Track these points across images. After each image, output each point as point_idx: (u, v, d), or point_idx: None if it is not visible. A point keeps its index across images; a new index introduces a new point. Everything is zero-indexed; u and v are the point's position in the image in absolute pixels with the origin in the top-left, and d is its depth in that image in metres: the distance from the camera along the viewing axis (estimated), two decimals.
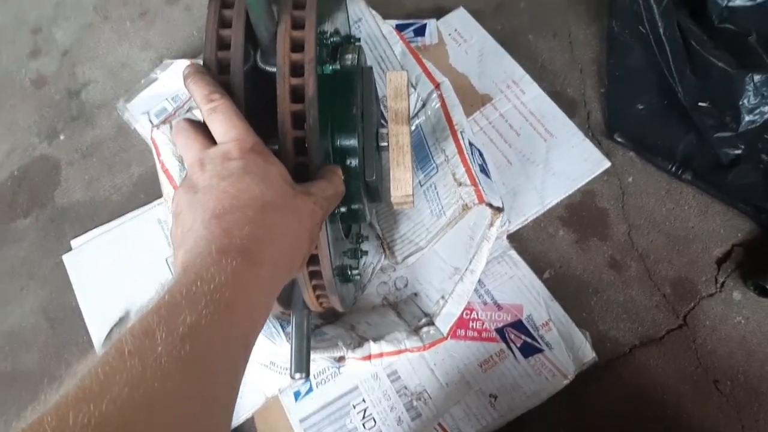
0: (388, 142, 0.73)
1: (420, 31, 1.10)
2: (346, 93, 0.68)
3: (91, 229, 1.04)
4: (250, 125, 0.54)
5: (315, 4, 0.60)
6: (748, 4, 0.96)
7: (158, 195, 1.04)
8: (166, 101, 1.10)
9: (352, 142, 0.67)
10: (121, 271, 0.99)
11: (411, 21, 1.12)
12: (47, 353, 0.97)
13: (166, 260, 0.99)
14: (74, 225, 1.05)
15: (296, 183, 0.54)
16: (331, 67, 0.63)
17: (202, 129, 0.55)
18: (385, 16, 0.98)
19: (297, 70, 0.59)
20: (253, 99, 0.59)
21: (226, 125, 0.53)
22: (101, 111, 1.15)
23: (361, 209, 0.70)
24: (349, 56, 0.69)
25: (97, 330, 0.96)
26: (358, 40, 0.76)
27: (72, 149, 1.12)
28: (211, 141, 0.54)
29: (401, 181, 0.71)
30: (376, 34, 0.96)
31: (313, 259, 0.63)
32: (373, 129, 0.72)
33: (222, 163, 0.51)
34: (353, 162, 0.67)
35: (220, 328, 0.42)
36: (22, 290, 1.02)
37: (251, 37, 0.60)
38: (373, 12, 0.96)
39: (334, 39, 0.66)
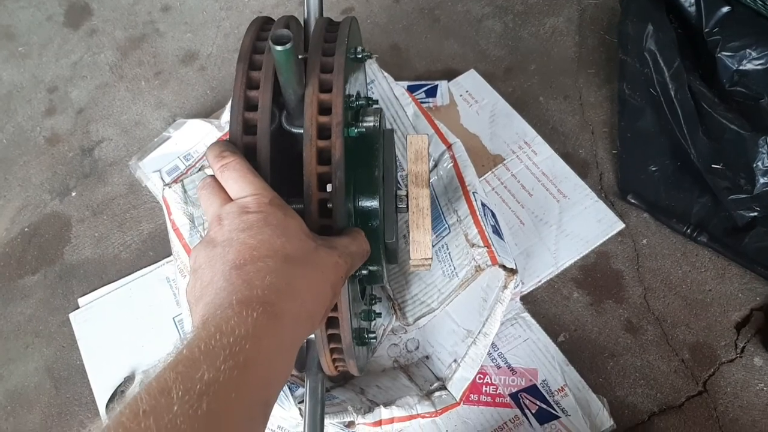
0: (406, 204, 0.73)
1: (431, 92, 1.11)
2: (368, 156, 0.68)
3: (99, 287, 1.03)
4: (266, 182, 0.54)
5: (343, 67, 0.60)
6: (759, 67, 0.97)
7: (167, 253, 1.03)
8: (178, 159, 1.10)
9: (374, 204, 0.66)
10: (128, 331, 0.98)
11: (422, 82, 1.13)
12: (50, 414, 0.94)
13: (174, 319, 0.98)
14: (82, 283, 1.04)
15: (318, 236, 0.53)
16: (356, 130, 0.63)
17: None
18: (397, 78, 0.99)
19: (324, 132, 0.59)
20: (276, 160, 0.59)
21: (241, 182, 0.53)
22: (113, 168, 1.16)
23: (379, 271, 0.69)
24: (371, 119, 0.70)
25: (102, 390, 0.93)
26: (376, 102, 0.76)
27: (83, 206, 1.12)
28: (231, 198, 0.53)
29: (420, 243, 0.70)
30: (389, 96, 0.97)
31: (332, 322, 0.62)
32: (392, 191, 0.72)
33: (239, 216, 0.50)
34: (374, 224, 0.66)
35: (239, 385, 0.40)
36: (27, 348, 1.00)
37: (276, 98, 0.61)
38: (386, 74, 0.97)
39: (359, 102, 0.66)
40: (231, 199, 0.53)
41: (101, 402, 0.93)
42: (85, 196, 1.14)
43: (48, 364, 0.98)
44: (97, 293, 1.03)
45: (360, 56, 0.70)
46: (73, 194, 1.14)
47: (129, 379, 0.93)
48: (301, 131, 0.63)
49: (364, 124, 0.69)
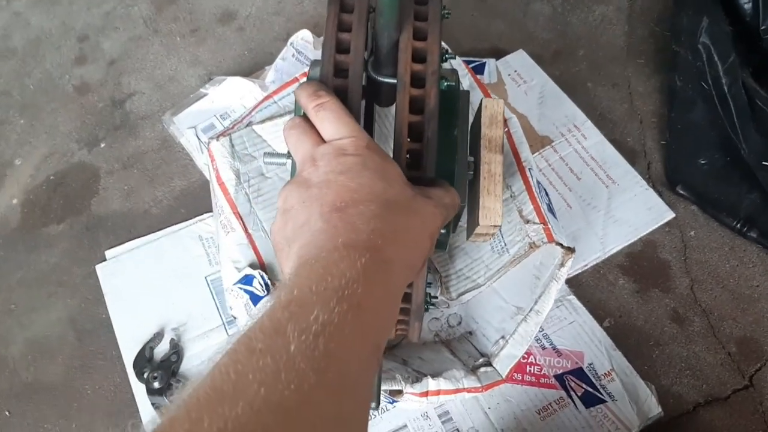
0: (474, 170, 0.71)
1: (479, 69, 1.09)
2: (448, 115, 0.65)
3: (128, 241, 1.00)
4: (360, 125, 0.52)
5: (439, 15, 0.58)
6: None
7: (200, 211, 1.01)
8: (215, 118, 1.08)
9: (450, 165, 0.64)
10: (157, 287, 0.95)
11: (470, 59, 1.11)
12: (72, 365, 0.91)
13: (206, 279, 0.95)
14: (110, 235, 1.01)
15: (413, 185, 0.51)
16: (446, 83, 0.61)
17: (315, 127, 0.52)
18: None
19: (416, 81, 0.57)
20: None
21: (337, 123, 0.50)
22: (145, 122, 1.12)
23: (445, 236, 0.68)
24: (451, 77, 0.67)
25: (128, 345, 0.90)
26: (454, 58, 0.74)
27: (112, 158, 1.09)
28: (324, 140, 0.51)
29: (491, 210, 0.68)
30: (444, 65, 0.94)
31: None
32: (465, 154, 0.69)
33: (336, 158, 0.48)
34: None
35: (353, 328, 0.38)
36: (50, 297, 0.96)
37: None
38: (443, 43, 0.95)
39: (447, 55, 0.64)
40: (324, 141, 0.51)
41: (128, 357, 0.89)
42: (115, 149, 1.10)
43: (72, 315, 0.95)
44: (126, 247, 0.99)
45: (443, 12, 0.68)
46: (102, 145, 1.11)
47: (158, 336, 0.90)
48: (388, 80, 0.61)
49: (448, 82, 0.67)
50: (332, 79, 0.57)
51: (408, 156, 0.56)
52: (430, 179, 0.55)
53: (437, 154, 0.63)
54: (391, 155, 0.55)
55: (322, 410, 0.35)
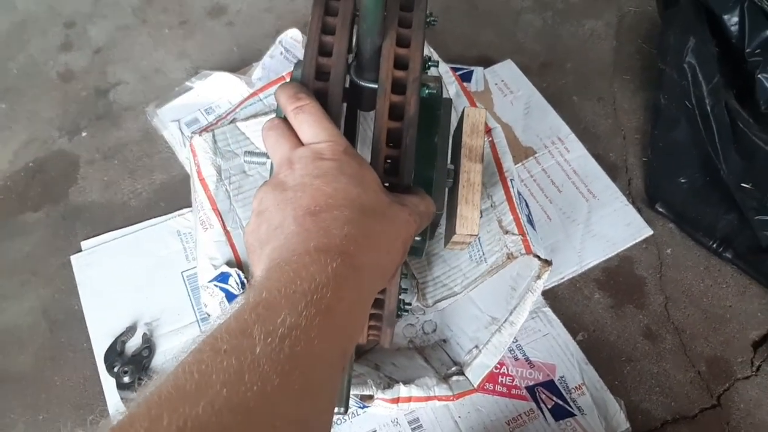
0: (454, 178, 0.71)
1: (466, 77, 1.10)
2: (429, 122, 0.65)
3: (105, 233, 0.99)
4: (339, 130, 0.52)
5: (422, 23, 0.58)
6: None
7: (179, 206, 1.00)
8: (199, 112, 1.07)
9: (429, 172, 0.64)
10: (132, 280, 0.94)
11: (457, 66, 1.11)
12: (42, 356, 0.90)
13: (182, 274, 0.94)
14: (86, 226, 1.00)
15: (389, 192, 0.51)
16: (426, 91, 0.61)
17: (294, 129, 0.52)
18: None
19: (397, 88, 0.57)
20: None
21: (316, 127, 0.50)
22: (128, 113, 1.11)
23: (421, 243, 0.68)
24: (432, 85, 0.67)
25: (99, 338, 0.89)
26: (437, 65, 0.74)
27: (93, 148, 1.08)
28: (302, 143, 0.51)
29: (468, 219, 0.68)
30: (432, 71, 0.95)
31: None
32: (444, 162, 0.69)
33: (313, 162, 0.48)
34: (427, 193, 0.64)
35: (321, 332, 0.39)
36: (22, 286, 0.95)
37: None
38: (431, 49, 0.95)
39: (430, 63, 0.64)
40: (302, 144, 0.51)
41: (98, 350, 0.88)
42: (97, 138, 1.09)
43: (44, 305, 0.94)
44: (102, 238, 0.98)
45: (429, 20, 0.68)
46: (84, 134, 1.09)
47: (130, 330, 0.89)
48: (370, 85, 0.61)
49: (429, 90, 0.67)
50: (313, 81, 0.57)
51: (387, 162, 0.57)
52: (406, 186, 0.56)
53: (417, 161, 0.63)
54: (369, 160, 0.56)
55: (283, 412, 0.35)
